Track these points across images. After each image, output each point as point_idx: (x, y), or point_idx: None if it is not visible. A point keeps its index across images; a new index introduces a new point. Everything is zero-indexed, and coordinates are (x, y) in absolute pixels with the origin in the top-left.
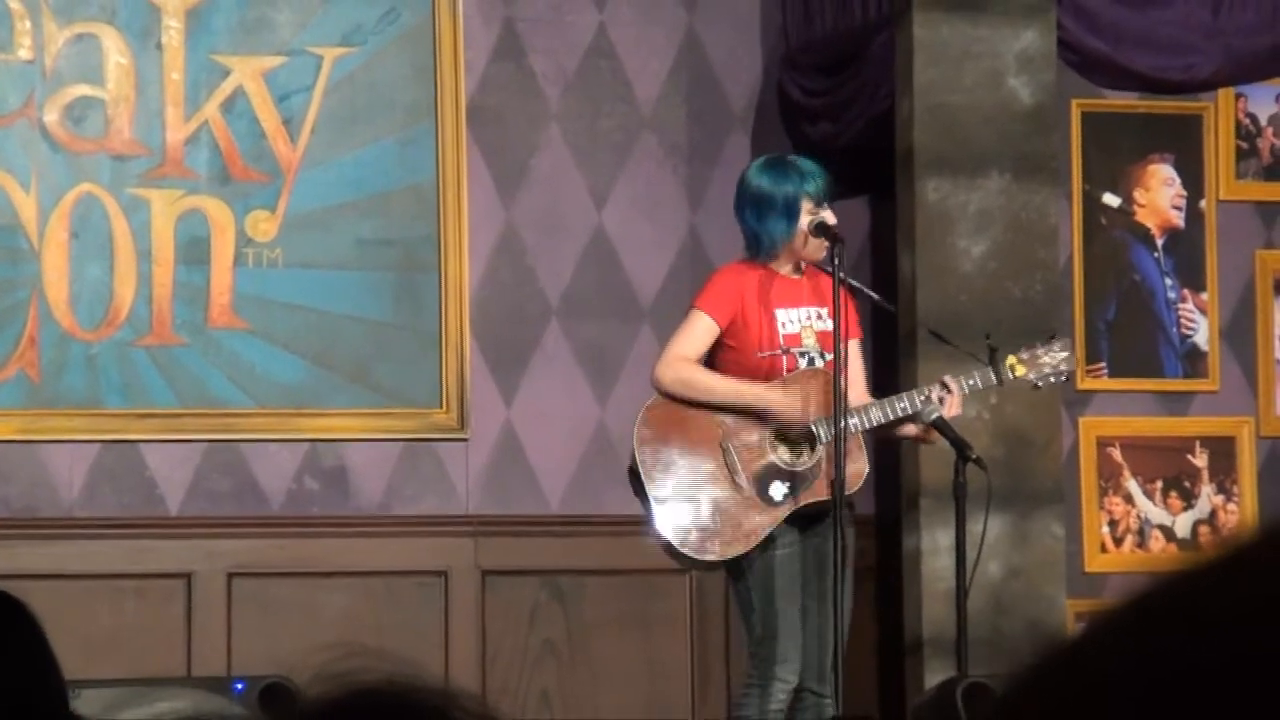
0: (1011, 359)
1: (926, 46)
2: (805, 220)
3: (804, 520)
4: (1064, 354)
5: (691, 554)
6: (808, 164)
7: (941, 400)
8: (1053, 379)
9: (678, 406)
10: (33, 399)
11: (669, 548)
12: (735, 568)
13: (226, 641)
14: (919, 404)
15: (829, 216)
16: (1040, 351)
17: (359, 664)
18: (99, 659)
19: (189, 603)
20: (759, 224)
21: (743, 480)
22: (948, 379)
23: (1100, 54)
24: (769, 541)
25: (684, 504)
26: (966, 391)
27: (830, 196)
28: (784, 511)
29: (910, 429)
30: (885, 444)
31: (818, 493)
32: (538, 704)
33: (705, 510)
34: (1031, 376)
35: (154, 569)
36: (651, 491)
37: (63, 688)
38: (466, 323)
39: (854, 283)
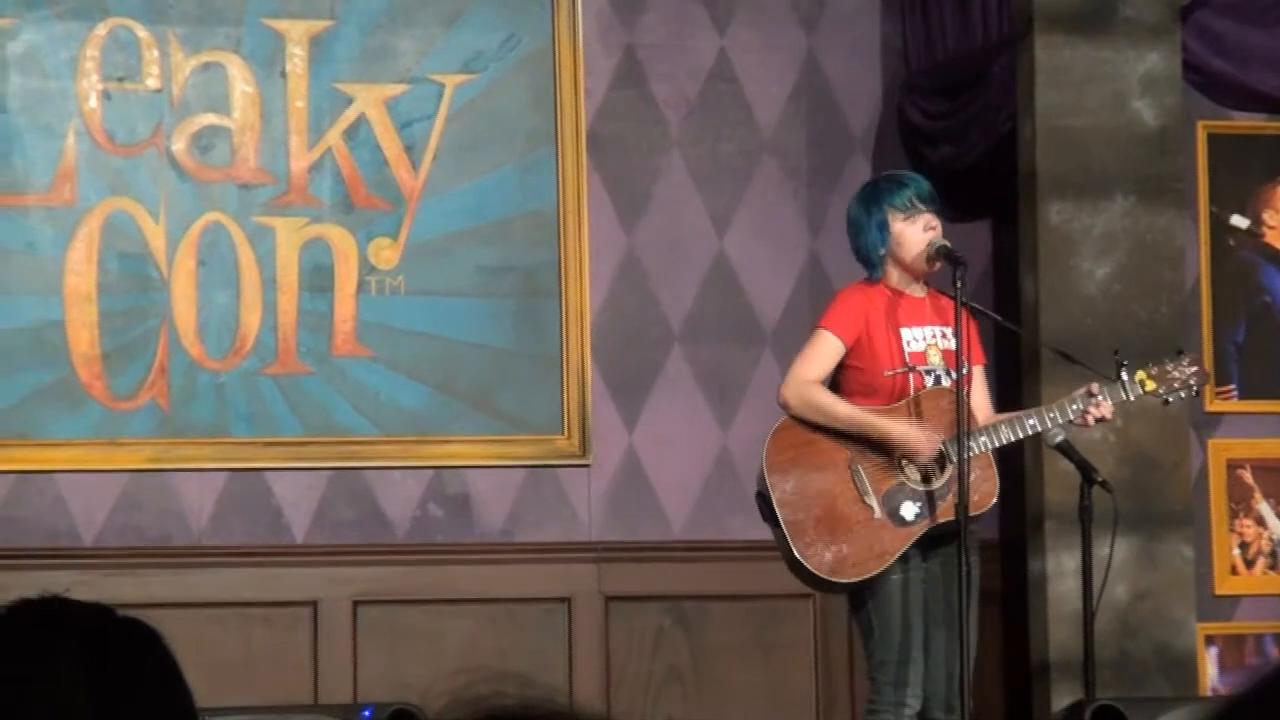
0: (1141, 374)
1: (1048, 68)
2: (903, 231)
3: (925, 545)
4: (1194, 369)
5: (826, 576)
6: (898, 176)
7: (1092, 404)
8: (1183, 394)
9: (804, 429)
10: (163, 428)
11: (802, 571)
12: (856, 593)
13: (353, 669)
14: (1048, 422)
15: (929, 223)
16: (1170, 367)
17: (492, 688)
18: (227, 687)
19: (315, 630)
20: (857, 243)
21: (873, 501)
22: (1094, 386)
23: (1226, 75)
24: (890, 566)
25: (815, 526)
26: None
27: (927, 201)
28: (917, 532)
29: (1098, 412)
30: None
31: (949, 513)
32: None
33: (837, 532)
34: (1161, 391)
35: (281, 597)
36: (783, 515)
37: (195, 716)
38: (588, 348)
39: (976, 305)
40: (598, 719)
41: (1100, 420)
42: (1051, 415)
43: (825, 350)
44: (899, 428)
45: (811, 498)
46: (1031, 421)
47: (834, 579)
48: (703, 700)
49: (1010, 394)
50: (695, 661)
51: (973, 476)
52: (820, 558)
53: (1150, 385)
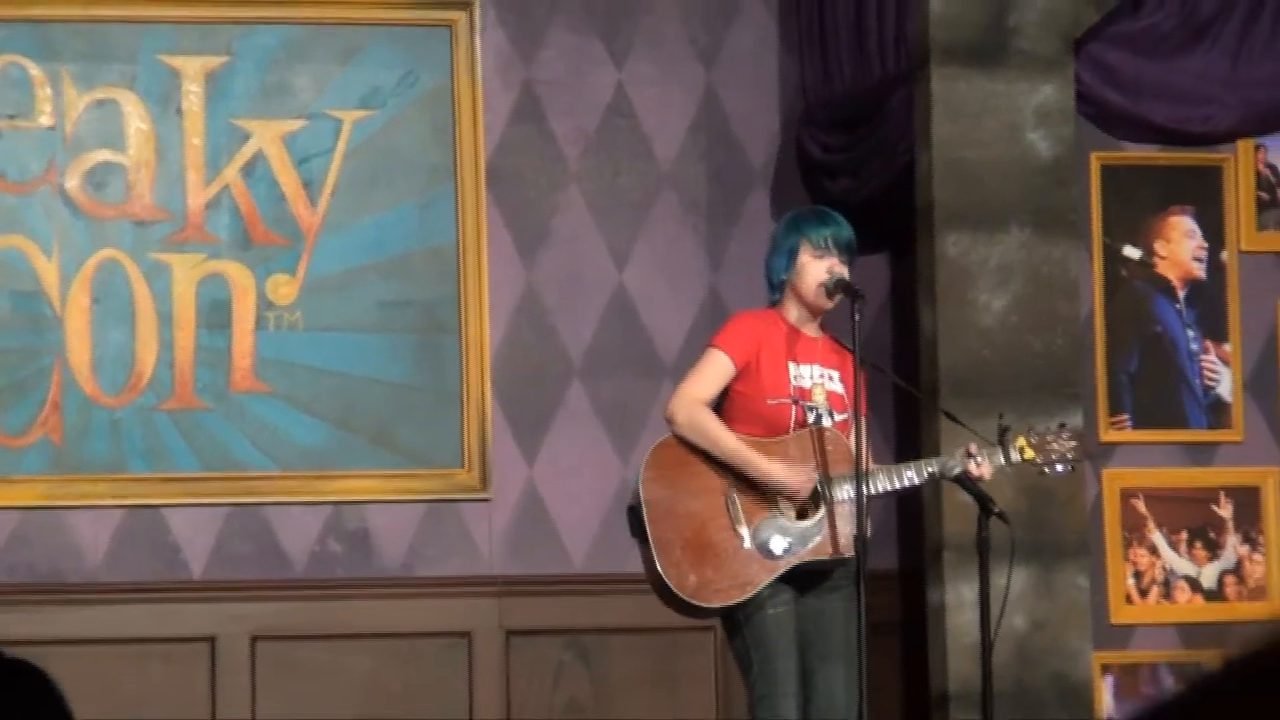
0: (1021, 441)
1: (944, 101)
2: (807, 264)
3: (802, 580)
4: (1073, 443)
5: (687, 598)
6: (826, 214)
7: (971, 464)
8: (1059, 468)
9: (686, 449)
10: (57, 465)
11: (665, 591)
12: (730, 624)
13: (251, 705)
14: (925, 476)
15: (834, 266)
16: (1050, 438)
17: None
18: None
19: (213, 666)
20: (767, 261)
21: (744, 531)
22: (973, 447)
23: (1119, 106)
24: (764, 600)
25: (683, 548)
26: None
27: (841, 248)
28: (782, 567)
29: (977, 472)
30: (909, 500)
31: (818, 552)
32: None
33: (705, 557)
34: (1039, 461)
35: (178, 633)
36: (652, 532)
37: None
38: (488, 383)
39: (873, 362)
40: None
41: (978, 480)
42: (930, 470)
43: (716, 369)
44: (779, 472)
45: (683, 519)
46: (909, 474)
47: (695, 601)
48: None
49: (909, 438)
50: (596, 694)
51: (845, 519)
52: (684, 579)
53: (1029, 454)
